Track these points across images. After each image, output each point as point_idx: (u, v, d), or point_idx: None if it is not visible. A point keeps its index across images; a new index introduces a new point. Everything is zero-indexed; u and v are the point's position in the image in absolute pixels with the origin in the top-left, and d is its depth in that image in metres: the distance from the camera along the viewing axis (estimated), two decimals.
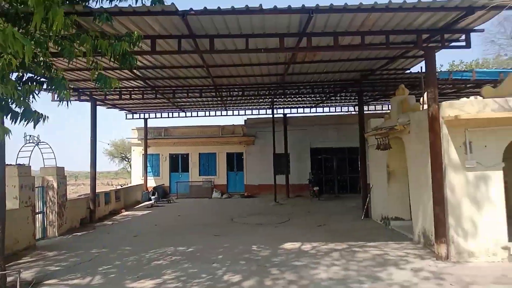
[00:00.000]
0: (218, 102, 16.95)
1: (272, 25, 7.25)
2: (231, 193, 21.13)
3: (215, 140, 21.80)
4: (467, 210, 7.16)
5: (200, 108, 19.17)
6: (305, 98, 16.80)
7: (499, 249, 6.97)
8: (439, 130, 7.39)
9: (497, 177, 7.19)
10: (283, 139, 19.64)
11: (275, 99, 16.75)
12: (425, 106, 8.18)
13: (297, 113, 20.71)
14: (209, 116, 20.50)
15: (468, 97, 7.63)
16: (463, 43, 7.83)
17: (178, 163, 22.38)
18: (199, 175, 21.86)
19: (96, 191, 13.79)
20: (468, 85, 13.72)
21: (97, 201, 13.77)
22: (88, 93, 13.29)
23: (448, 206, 7.25)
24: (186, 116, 20.39)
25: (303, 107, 19.82)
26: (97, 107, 14.51)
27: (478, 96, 7.78)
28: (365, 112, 14.32)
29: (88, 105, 14.09)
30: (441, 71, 13.02)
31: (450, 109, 7.33)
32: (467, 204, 7.18)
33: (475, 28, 7.49)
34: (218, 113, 20.49)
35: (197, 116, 20.46)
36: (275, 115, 19.19)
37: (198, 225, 11.94)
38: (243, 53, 8.88)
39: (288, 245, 8.68)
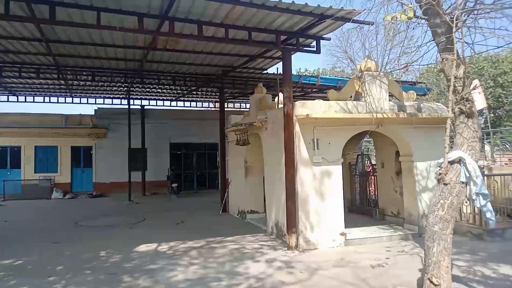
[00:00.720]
0: (62, 86, 14.58)
1: (130, 2, 6.45)
2: (76, 193, 18.68)
3: (56, 132, 18.89)
4: (314, 202, 7.85)
5: (38, 93, 16.17)
6: (165, 90, 15.99)
7: (338, 236, 7.87)
8: (293, 127, 7.89)
9: (337, 171, 8.11)
10: (140, 132, 18.42)
11: (132, 88, 15.43)
12: (281, 105, 8.67)
13: (157, 105, 19.69)
14: (50, 102, 17.49)
15: (313, 100, 8.40)
16: (314, 49, 8.58)
17: (7, 158, 18.64)
18: (35, 172, 18.63)
19: None
20: (313, 89, 15.39)
21: None
22: None
23: (298, 199, 7.81)
24: (18, 101, 16.97)
25: (163, 100, 18.92)
26: None
27: (321, 100, 8.65)
28: (225, 109, 14.53)
29: None
30: (293, 74, 14.14)
31: (303, 108, 7.91)
32: (314, 196, 7.86)
33: (324, 36, 8.30)
34: (62, 100, 17.70)
35: (33, 101, 17.23)
36: (132, 106, 17.76)
37: (31, 232, 9.96)
38: (93, 29, 7.68)
39: (143, 247, 7.97)
